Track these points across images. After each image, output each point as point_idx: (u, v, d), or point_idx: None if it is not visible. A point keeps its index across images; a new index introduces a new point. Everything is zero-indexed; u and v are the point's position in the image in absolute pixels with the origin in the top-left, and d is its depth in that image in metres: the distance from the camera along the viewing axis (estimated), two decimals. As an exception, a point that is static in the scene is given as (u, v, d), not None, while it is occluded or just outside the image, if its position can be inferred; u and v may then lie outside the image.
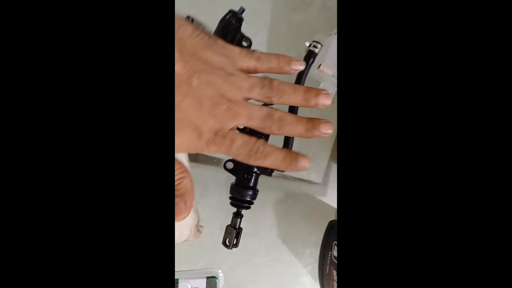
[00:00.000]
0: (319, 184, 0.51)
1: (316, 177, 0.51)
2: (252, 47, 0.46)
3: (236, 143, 0.26)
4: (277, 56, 0.28)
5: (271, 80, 0.27)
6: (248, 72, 0.27)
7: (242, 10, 0.30)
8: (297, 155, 0.28)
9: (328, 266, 0.38)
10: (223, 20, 0.29)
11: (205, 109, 0.24)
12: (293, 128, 0.27)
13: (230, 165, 0.31)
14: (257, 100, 0.27)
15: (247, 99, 0.27)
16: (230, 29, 0.29)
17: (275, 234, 0.48)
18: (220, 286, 0.41)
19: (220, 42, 0.26)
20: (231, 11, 0.30)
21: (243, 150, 0.26)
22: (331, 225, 0.40)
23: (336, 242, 0.36)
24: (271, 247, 0.48)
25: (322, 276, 0.39)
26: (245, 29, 0.45)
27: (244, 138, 0.26)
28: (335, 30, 0.33)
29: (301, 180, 0.50)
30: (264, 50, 0.47)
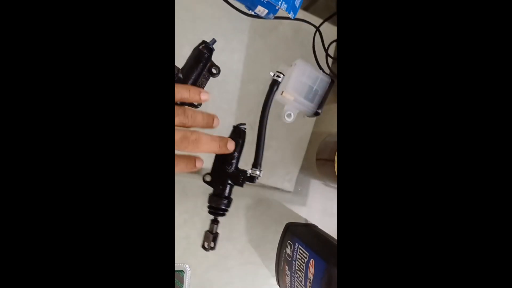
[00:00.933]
0: (291, 193, 0.54)
1: (288, 185, 0.54)
2: (231, 64, 0.49)
3: None
4: (188, 88, 0.32)
5: (185, 109, 0.31)
6: None
7: (214, 41, 0.33)
8: (194, 158, 0.33)
9: (282, 263, 0.41)
10: (196, 49, 0.32)
11: None
12: (209, 146, 0.32)
13: (208, 178, 0.35)
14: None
15: None
16: (202, 58, 0.32)
17: (248, 238, 0.51)
18: (187, 279, 0.44)
19: None
20: (204, 42, 0.33)
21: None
22: (287, 226, 0.44)
23: (290, 241, 0.40)
24: (244, 250, 0.51)
25: (278, 271, 0.43)
26: (224, 46, 0.48)
27: None
28: (296, 61, 0.36)
29: (274, 188, 0.53)
30: (241, 66, 0.51)
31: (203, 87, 0.33)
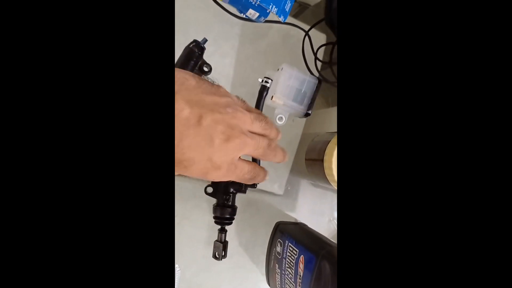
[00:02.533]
0: (282, 196, 0.55)
1: (277, 188, 0.54)
2: (221, 68, 0.50)
3: (244, 170, 0.31)
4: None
5: (265, 116, 0.32)
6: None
7: (205, 40, 0.34)
8: (264, 171, 0.34)
9: (272, 261, 0.41)
10: (187, 48, 0.33)
11: (217, 145, 0.27)
12: (281, 156, 0.33)
13: (210, 190, 0.36)
14: (255, 132, 0.31)
15: (250, 131, 0.30)
16: (193, 56, 0.33)
17: (238, 241, 0.51)
18: (176, 278, 0.44)
19: (223, 89, 0.30)
20: (195, 41, 0.34)
21: (248, 175, 0.31)
22: (276, 225, 0.44)
23: (280, 240, 0.40)
24: (234, 254, 0.50)
25: (268, 270, 0.43)
26: (215, 51, 0.49)
27: (249, 166, 0.31)
28: (281, 66, 0.38)
29: (263, 191, 0.54)
30: (232, 71, 0.51)
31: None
